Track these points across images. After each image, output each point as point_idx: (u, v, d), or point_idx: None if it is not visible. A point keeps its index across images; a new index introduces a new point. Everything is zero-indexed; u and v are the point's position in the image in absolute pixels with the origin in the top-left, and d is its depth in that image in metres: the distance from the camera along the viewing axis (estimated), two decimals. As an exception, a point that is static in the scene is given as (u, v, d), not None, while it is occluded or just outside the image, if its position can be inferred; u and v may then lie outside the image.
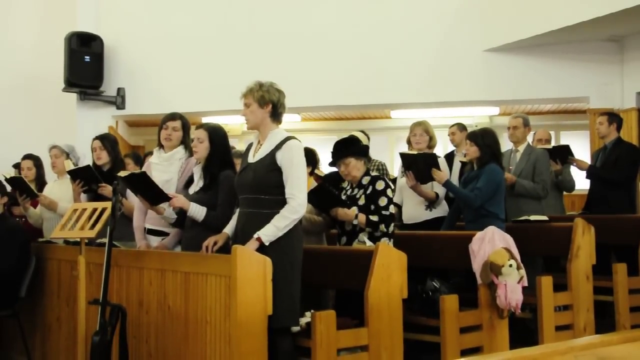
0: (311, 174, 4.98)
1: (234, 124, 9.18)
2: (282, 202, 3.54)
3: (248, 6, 8.14)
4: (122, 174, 4.05)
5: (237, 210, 3.79)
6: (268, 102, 3.64)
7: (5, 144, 7.90)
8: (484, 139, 4.90)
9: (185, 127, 4.43)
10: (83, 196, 4.95)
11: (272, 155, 3.59)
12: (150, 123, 8.83)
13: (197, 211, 3.91)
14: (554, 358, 1.52)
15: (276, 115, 3.69)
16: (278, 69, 7.45)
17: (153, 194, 3.98)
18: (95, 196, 4.79)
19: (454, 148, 6.38)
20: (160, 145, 4.43)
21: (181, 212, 4.05)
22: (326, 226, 4.68)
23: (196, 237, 3.93)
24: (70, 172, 4.97)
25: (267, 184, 3.57)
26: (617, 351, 1.60)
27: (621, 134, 6.15)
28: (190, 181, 4.18)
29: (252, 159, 3.69)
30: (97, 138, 5.05)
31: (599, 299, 4.96)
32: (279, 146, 3.60)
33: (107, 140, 5.02)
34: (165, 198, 3.95)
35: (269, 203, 3.55)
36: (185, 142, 4.41)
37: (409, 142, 5.46)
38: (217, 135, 4.06)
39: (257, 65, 7.67)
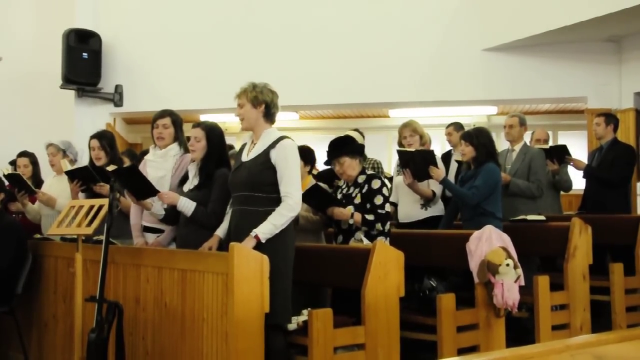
0: (310, 172, 4.98)
1: (232, 122, 9.16)
2: (275, 200, 3.57)
3: (246, 4, 8.14)
4: (110, 168, 4.05)
5: (230, 210, 3.80)
6: (261, 102, 3.67)
7: (3, 140, 7.89)
8: (479, 138, 4.91)
9: (176, 123, 4.40)
10: (81, 195, 4.93)
11: (266, 153, 3.62)
12: (148, 120, 8.73)
13: (186, 205, 3.92)
14: (551, 357, 1.52)
15: (269, 115, 3.72)
16: (276, 68, 7.46)
17: (142, 189, 3.98)
18: (93, 195, 4.78)
19: (451, 147, 6.38)
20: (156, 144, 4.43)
21: (170, 208, 4.06)
22: (323, 225, 4.69)
23: (190, 234, 3.94)
24: (67, 173, 4.94)
25: (260, 182, 3.59)
26: (614, 350, 1.60)
27: (619, 134, 6.15)
28: (185, 178, 4.18)
29: (246, 157, 3.72)
30: (94, 137, 5.01)
31: (596, 298, 4.97)
32: (273, 145, 3.63)
33: (105, 139, 4.98)
34: (154, 192, 3.96)
35: (262, 201, 3.57)
36: (179, 138, 4.40)
37: (400, 145, 5.44)
38: (214, 134, 4.06)
39: (255, 64, 7.68)
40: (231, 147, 6.04)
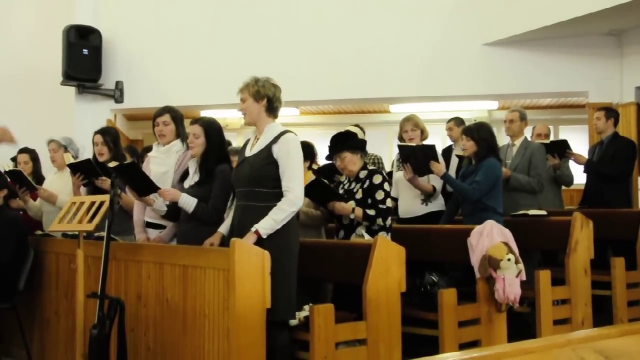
0: (309, 168, 4.98)
1: (233, 118, 9.16)
2: (278, 195, 3.56)
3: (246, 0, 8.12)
4: (111, 164, 4.06)
5: (233, 206, 3.80)
6: (263, 96, 3.66)
7: (3, 137, 7.87)
8: (480, 132, 4.91)
9: (177, 119, 4.40)
10: (82, 189, 4.95)
11: (268, 148, 3.61)
12: (149, 117, 8.72)
13: (188, 202, 3.93)
14: (552, 351, 1.52)
15: (272, 109, 3.71)
16: (277, 63, 7.45)
17: (143, 185, 3.99)
18: (94, 189, 4.79)
19: (452, 143, 6.37)
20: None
21: (172, 205, 4.06)
22: (324, 220, 4.69)
23: (191, 231, 3.95)
24: (70, 166, 4.97)
25: (263, 176, 3.58)
26: (615, 344, 1.60)
27: (620, 129, 6.14)
28: (185, 175, 4.18)
29: (249, 152, 3.72)
30: (98, 132, 5.03)
31: (597, 293, 4.98)
32: (275, 140, 3.62)
33: (108, 135, 5.00)
34: (154, 188, 3.96)
35: (265, 196, 3.56)
36: (181, 134, 4.40)
37: (401, 139, 5.43)
38: (213, 130, 4.06)
39: (256, 59, 7.67)
40: (229, 143, 6.04)
